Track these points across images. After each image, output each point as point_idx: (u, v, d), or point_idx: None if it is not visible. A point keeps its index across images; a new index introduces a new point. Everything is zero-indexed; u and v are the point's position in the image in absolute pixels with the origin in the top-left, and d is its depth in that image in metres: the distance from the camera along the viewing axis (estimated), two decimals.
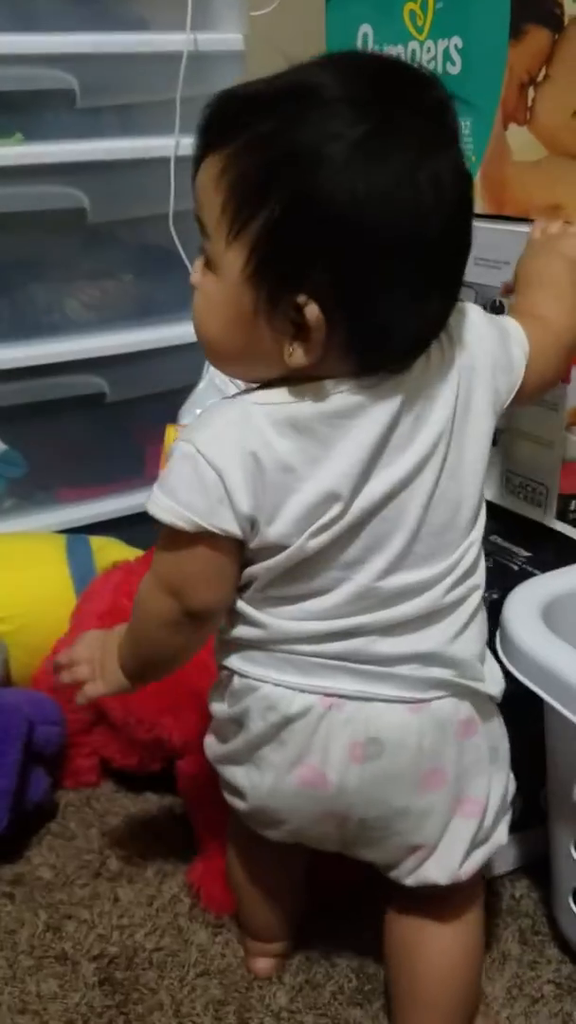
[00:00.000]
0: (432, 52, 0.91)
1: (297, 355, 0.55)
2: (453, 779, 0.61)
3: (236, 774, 0.65)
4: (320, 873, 0.77)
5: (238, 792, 0.65)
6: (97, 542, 1.05)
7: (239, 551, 0.59)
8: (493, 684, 0.64)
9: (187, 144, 1.08)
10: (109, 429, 1.16)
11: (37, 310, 1.09)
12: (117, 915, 0.82)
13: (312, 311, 0.53)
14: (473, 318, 0.61)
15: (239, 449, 0.56)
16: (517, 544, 0.80)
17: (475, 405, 0.59)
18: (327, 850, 0.67)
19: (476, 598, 0.62)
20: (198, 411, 1.08)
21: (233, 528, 0.57)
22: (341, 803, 0.62)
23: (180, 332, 1.15)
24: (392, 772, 0.60)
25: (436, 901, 0.65)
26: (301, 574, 0.58)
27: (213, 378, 1.09)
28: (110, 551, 1.04)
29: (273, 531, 0.57)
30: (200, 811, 0.84)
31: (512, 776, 0.67)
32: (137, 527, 1.06)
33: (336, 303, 0.53)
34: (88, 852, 0.88)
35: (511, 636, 0.67)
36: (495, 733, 0.65)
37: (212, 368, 1.12)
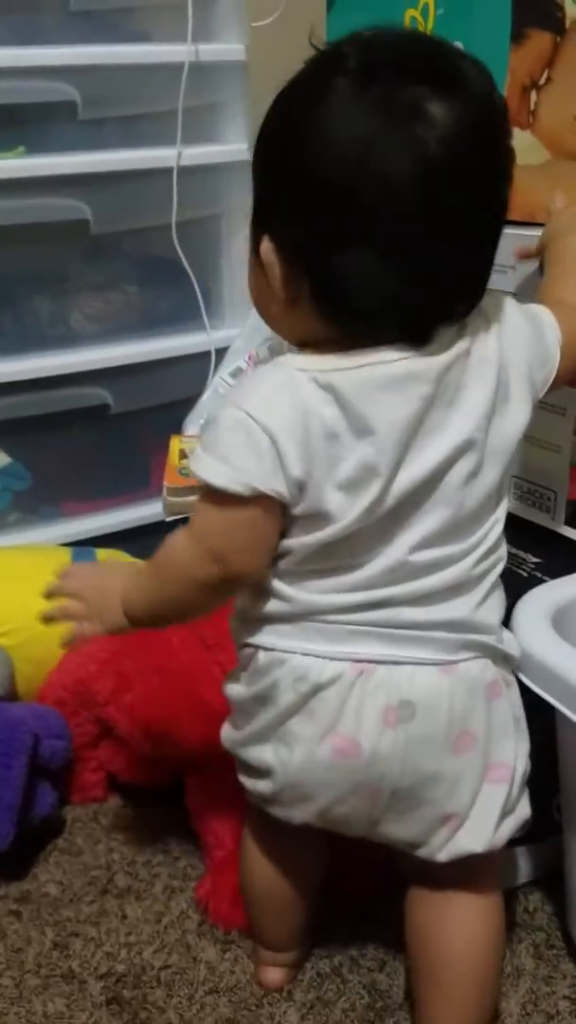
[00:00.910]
0: None
1: (277, 299, 0.58)
2: (483, 741, 0.62)
3: (263, 753, 0.64)
4: (333, 884, 0.76)
5: (265, 772, 0.65)
6: (103, 555, 1.04)
7: (282, 519, 0.59)
8: (513, 647, 0.65)
9: (189, 155, 1.09)
10: (114, 441, 1.16)
11: (41, 322, 1.09)
12: (125, 932, 0.81)
13: (265, 246, 0.57)
14: (509, 311, 0.61)
15: (290, 414, 0.56)
16: (526, 550, 0.79)
17: (513, 394, 0.60)
18: (352, 834, 0.66)
19: (499, 570, 0.63)
20: (202, 422, 1.07)
21: (285, 492, 0.57)
22: (374, 772, 0.61)
23: (184, 343, 1.15)
24: (425, 735, 0.61)
25: (452, 883, 0.65)
26: (340, 548, 0.59)
27: (217, 388, 1.09)
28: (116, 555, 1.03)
29: (322, 499, 0.57)
30: (209, 825, 0.83)
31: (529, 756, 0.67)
32: (143, 539, 1.06)
33: (293, 249, 0.56)
34: (95, 868, 0.87)
35: (521, 643, 0.66)
36: (516, 701, 0.65)
37: (216, 378, 1.12)
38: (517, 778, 0.64)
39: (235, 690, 0.66)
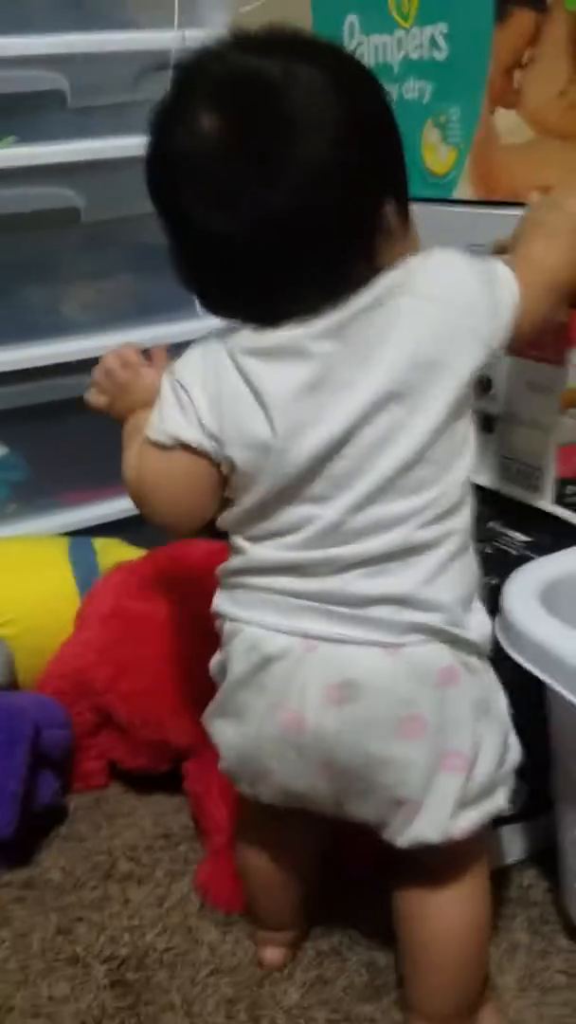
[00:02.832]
0: (418, 39, 0.91)
1: None
2: (434, 729, 0.61)
3: (224, 728, 0.66)
4: (332, 862, 0.77)
5: (226, 746, 0.67)
6: (100, 544, 1.05)
7: (217, 475, 0.63)
8: (476, 632, 0.63)
9: None
10: (110, 430, 1.16)
11: (35, 312, 1.09)
12: (127, 916, 0.82)
13: None
14: (445, 263, 0.62)
15: (202, 372, 0.62)
16: (515, 529, 0.79)
17: (450, 345, 0.60)
18: (326, 811, 0.66)
19: (455, 541, 0.62)
20: None
21: (204, 442, 0.62)
22: (321, 748, 0.62)
23: (179, 330, 1.14)
24: (369, 716, 0.61)
25: (435, 868, 0.65)
26: (271, 507, 0.62)
27: None
28: (114, 552, 1.04)
29: (235, 457, 0.61)
30: (207, 811, 0.84)
31: (516, 743, 0.66)
32: (141, 528, 1.06)
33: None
34: (98, 854, 0.88)
35: (511, 621, 0.66)
36: (484, 686, 0.64)
37: None
38: (480, 769, 0.63)
39: (211, 662, 0.67)
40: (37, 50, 0.98)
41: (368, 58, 0.99)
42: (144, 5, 1.05)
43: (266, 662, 0.62)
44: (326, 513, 0.61)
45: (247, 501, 0.62)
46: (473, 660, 0.64)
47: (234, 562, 0.65)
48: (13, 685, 0.97)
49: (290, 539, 0.62)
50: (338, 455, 0.60)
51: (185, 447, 0.62)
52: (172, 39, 1.03)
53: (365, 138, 0.59)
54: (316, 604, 0.61)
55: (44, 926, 0.81)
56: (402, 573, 0.61)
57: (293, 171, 0.56)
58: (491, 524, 0.80)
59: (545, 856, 0.81)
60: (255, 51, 0.58)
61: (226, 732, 0.66)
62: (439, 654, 0.62)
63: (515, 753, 0.66)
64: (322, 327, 0.60)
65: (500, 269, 0.64)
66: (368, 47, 0.98)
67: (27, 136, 1.01)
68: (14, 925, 0.81)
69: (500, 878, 0.81)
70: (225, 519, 0.64)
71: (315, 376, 0.60)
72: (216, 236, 0.58)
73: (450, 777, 0.62)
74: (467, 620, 0.63)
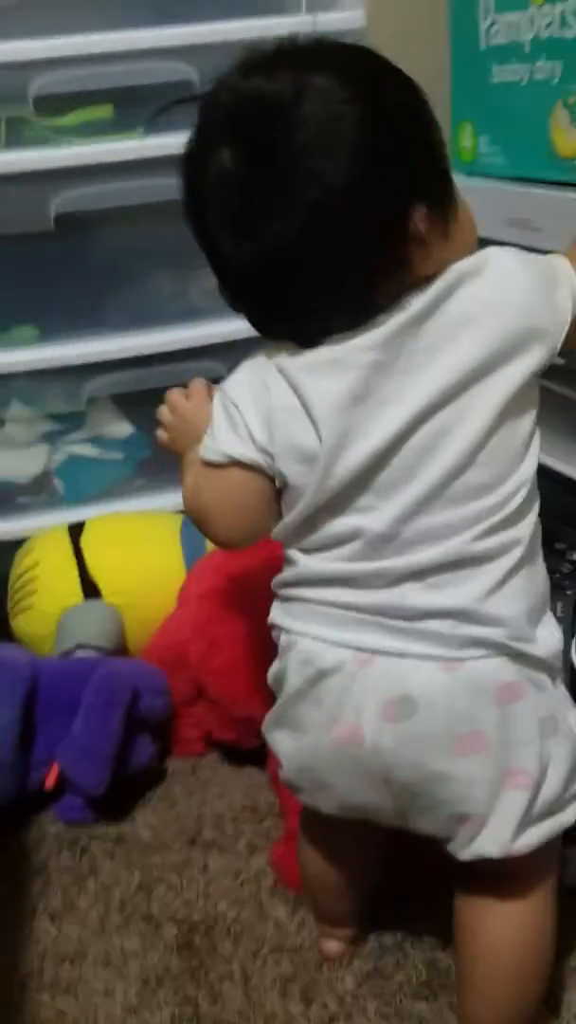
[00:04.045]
0: (550, 17, 0.87)
1: None
2: (496, 746, 0.60)
3: (282, 739, 0.67)
4: (399, 862, 0.77)
5: (284, 757, 0.67)
6: None
7: (271, 489, 0.64)
8: (544, 647, 0.62)
9: None
10: None
11: (163, 298, 1.13)
12: (204, 883, 0.85)
13: None
14: (499, 266, 0.61)
15: (251, 389, 0.63)
16: None
17: (504, 351, 0.59)
18: (388, 823, 0.66)
19: (519, 552, 0.61)
20: None
21: (257, 458, 0.62)
22: (379, 763, 0.62)
23: None
24: (425, 732, 0.60)
25: (496, 879, 0.64)
26: (321, 518, 0.62)
27: None
28: None
29: (287, 470, 0.62)
30: (285, 792, 0.86)
31: None
32: None
33: None
34: (187, 819, 0.93)
35: None
36: (551, 703, 0.62)
37: None
38: (549, 786, 0.61)
39: (268, 673, 0.68)
40: (166, 42, 1.00)
41: (500, 37, 0.95)
42: None
43: (321, 676, 0.62)
44: (374, 524, 0.60)
45: (297, 513, 0.62)
46: (541, 676, 0.62)
47: (288, 574, 0.65)
48: (122, 651, 1.03)
49: (341, 551, 0.62)
50: (385, 465, 0.60)
51: (239, 464, 0.63)
52: (301, 23, 1.02)
53: (383, 147, 0.57)
54: (370, 617, 0.61)
55: (128, 881, 0.86)
56: (461, 585, 0.60)
57: (305, 197, 0.56)
58: None
59: None
60: (261, 73, 0.57)
61: (285, 743, 0.67)
62: (501, 669, 0.60)
63: None
64: (365, 340, 0.59)
65: (561, 267, 0.62)
66: (501, 25, 0.94)
67: (155, 128, 1.04)
68: (101, 877, 0.87)
69: None
70: (278, 532, 0.65)
71: (359, 387, 0.59)
72: (242, 266, 0.60)
73: (515, 794, 0.61)
74: (534, 634, 0.61)
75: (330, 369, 0.60)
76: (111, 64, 1.01)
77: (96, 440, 1.17)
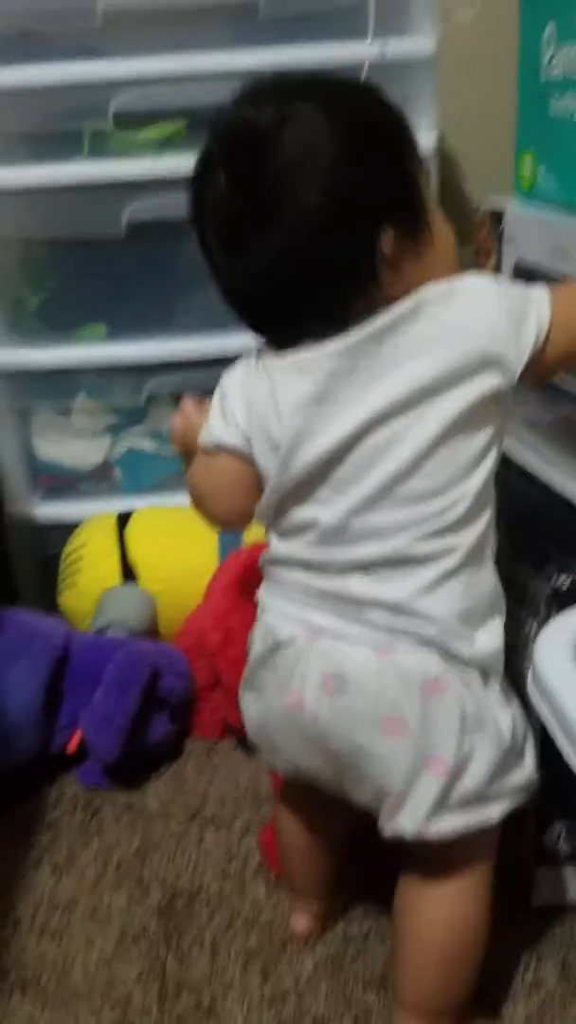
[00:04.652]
0: None
1: None
2: (417, 732, 0.64)
3: (249, 701, 0.73)
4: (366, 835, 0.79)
5: (248, 717, 0.74)
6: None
7: (254, 473, 0.69)
8: (478, 649, 0.66)
9: None
10: None
11: (222, 305, 1.18)
12: (196, 855, 0.91)
13: None
14: (469, 291, 0.65)
15: (241, 381, 0.70)
16: None
17: (459, 372, 0.63)
18: (335, 793, 0.71)
19: (457, 557, 0.65)
20: None
21: (239, 443, 0.68)
22: (317, 731, 0.67)
23: None
24: (355, 709, 0.65)
25: (428, 864, 0.68)
26: (287, 504, 0.68)
27: None
28: (258, 530, 1.12)
29: (262, 457, 0.67)
30: (274, 778, 0.90)
31: (531, 766, 0.68)
32: None
33: None
34: (193, 795, 0.99)
35: (540, 677, 0.64)
36: (479, 701, 0.66)
37: None
38: (468, 779, 0.65)
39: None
40: (237, 65, 1.03)
41: (558, 70, 0.95)
42: (337, 19, 1.06)
43: (277, 646, 0.69)
44: (328, 516, 0.66)
45: (266, 498, 0.69)
46: (471, 675, 0.66)
47: (266, 553, 0.72)
48: (153, 634, 1.10)
49: (303, 537, 0.68)
50: (341, 462, 0.65)
51: (226, 449, 0.70)
52: (370, 49, 1.04)
53: (354, 175, 0.61)
54: (322, 600, 0.67)
55: (128, 845, 0.93)
56: (399, 581, 0.65)
57: (283, 219, 0.61)
58: None
59: None
60: (250, 102, 0.63)
61: (250, 705, 0.73)
62: (430, 663, 0.65)
63: (523, 775, 0.67)
64: (331, 349, 0.65)
65: (536, 299, 0.65)
66: (560, 58, 0.95)
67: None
68: (105, 838, 0.94)
69: (545, 916, 0.80)
70: (257, 514, 0.71)
71: (320, 390, 0.65)
72: (234, 279, 0.66)
73: (431, 779, 0.65)
74: (471, 636, 0.66)
75: (299, 371, 0.65)
76: (186, 84, 1.07)
77: (155, 435, 1.24)
